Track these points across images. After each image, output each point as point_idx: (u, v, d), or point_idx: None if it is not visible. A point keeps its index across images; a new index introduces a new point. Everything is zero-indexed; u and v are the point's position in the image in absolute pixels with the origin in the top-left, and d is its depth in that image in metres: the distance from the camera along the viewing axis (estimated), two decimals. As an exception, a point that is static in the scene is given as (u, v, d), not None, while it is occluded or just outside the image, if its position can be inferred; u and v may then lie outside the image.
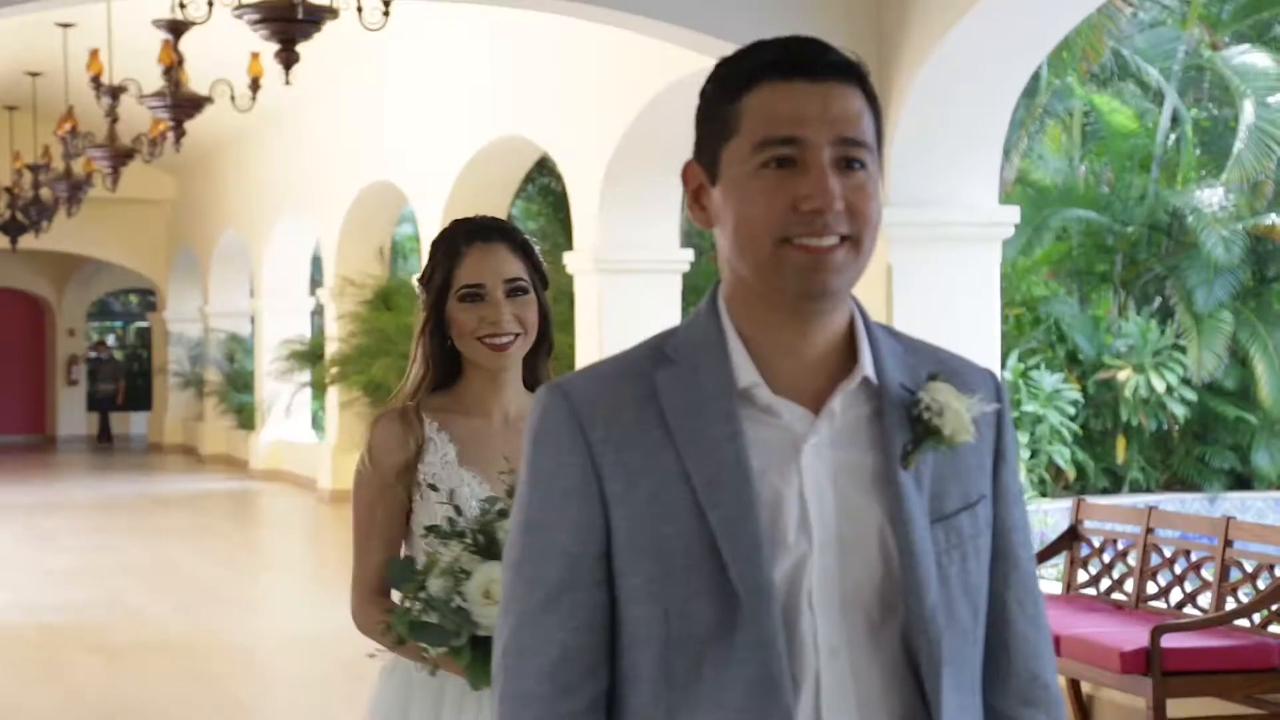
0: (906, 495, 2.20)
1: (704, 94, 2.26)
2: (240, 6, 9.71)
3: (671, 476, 2.18)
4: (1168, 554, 8.61)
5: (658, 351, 2.27)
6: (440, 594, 3.41)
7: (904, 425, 2.23)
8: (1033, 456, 19.46)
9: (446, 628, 3.41)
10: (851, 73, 2.22)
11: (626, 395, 2.23)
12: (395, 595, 3.68)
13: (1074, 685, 8.60)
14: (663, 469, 2.18)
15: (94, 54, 14.36)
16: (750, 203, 2.17)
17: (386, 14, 9.78)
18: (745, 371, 2.21)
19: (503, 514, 3.46)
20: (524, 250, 3.84)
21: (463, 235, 3.82)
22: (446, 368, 3.82)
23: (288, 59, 9.91)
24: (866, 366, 2.23)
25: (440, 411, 3.81)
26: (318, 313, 25.04)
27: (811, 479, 2.19)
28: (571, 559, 2.20)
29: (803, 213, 2.14)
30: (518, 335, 3.76)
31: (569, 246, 15.09)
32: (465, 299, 3.75)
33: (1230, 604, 8.10)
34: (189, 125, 13.57)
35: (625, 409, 2.23)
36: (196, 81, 14.26)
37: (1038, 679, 2.34)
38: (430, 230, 16.86)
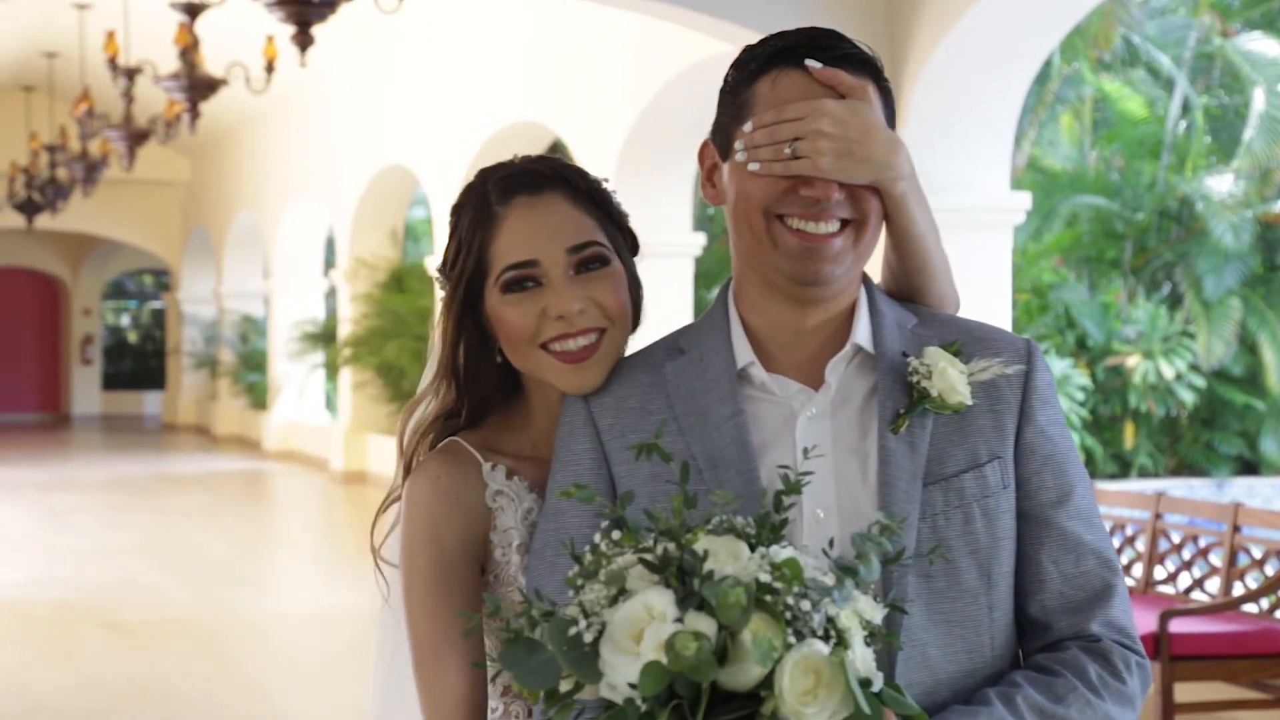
0: (891, 459, 2.25)
1: (726, 77, 2.34)
2: (257, -10, 9.79)
3: (675, 457, 2.21)
4: (1176, 539, 8.65)
5: (673, 345, 2.42)
6: (590, 606, 1.98)
7: (899, 391, 2.29)
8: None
9: (548, 659, 1.96)
10: (864, 65, 2.29)
11: (636, 384, 2.38)
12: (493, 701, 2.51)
13: (1081, 668, 8.65)
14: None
15: (110, 35, 14.41)
16: (751, 178, 2.24)
17: (402, -2, 9.85)
18: (743, 352, 2.31)
19: (725, 531, 2.00)
20: (592, 199, 2.52)
21: (496, 190, 2.51)
22: (497, 386, 2.58)
23: (303, 42, 9.98)
24: (858, 335, 2.31)
25: (494, 452, 2.54)
26: (331, 294, 25.12)
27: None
28: (586, 544, 2.19)
29: (801, 198, 2.21)
30: (603, 331, 2.46)
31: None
32: (511, 287, 2.47)
33: (1238, 589, 8.14)
34: (204, 107, 13.62)
35: (632, 397, 2.38)
36: (212, 63, 14.34)
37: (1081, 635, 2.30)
38: (444, 214, 16.93)
